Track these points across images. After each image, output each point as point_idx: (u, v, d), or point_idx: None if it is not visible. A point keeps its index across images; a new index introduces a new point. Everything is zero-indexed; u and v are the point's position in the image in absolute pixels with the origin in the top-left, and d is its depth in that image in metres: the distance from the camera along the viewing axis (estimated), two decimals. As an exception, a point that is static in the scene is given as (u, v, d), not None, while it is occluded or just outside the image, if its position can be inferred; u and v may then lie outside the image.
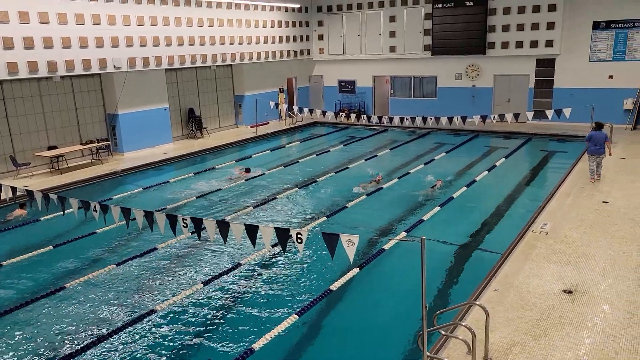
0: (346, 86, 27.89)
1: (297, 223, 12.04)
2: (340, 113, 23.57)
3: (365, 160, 18.27)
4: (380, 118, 20.33)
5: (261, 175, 16.48)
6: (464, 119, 18.25)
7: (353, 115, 22.16)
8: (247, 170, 16.62)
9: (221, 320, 7.96)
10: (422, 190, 14.05)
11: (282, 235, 6.67)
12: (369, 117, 20.96)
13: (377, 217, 12.24)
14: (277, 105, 24.46)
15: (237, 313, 8.12)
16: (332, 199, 13.90)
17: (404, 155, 19.22)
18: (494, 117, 18.31)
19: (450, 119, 18.41)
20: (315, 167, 17.71)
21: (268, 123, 25.84)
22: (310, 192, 14.78)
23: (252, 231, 7.06)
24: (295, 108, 23.64)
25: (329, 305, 8.28)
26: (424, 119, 19.25)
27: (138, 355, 7.12)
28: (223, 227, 7.29)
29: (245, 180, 15.96)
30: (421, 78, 25.68)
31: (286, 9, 25.86)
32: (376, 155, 18.99)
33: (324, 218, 12.00)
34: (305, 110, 22.60)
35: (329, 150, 20.20)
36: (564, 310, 7.34)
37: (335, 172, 16.60)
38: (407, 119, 19.60)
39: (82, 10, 17.10)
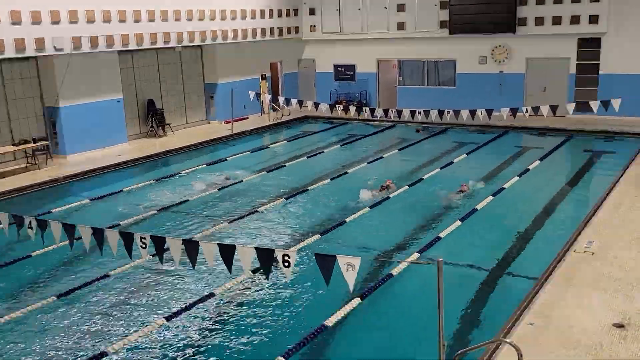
0: (344, 72, 28.11)
1: (283, 243, 12.01)
2: (337, 106, 23.45)
3: (368, 163, 18.42)
4: (386, 111, 20.38)
5: (239, 182, 16.60)
6: (489, 112, 18.30)
7: (352, 109, 21.99)
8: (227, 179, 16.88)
9: (189, 365, 7.85)
10: (446, 196, 14.32)
11: (266, 257, 6.69)
12: (372, 111, 20.99)
13: (384, 235, 12.31)
14: (258, 95, 24.46)
15: (207, 356, 8.05)
16: (327, 212, 14.01)
17: (416, 157, 19.35)
18: (527, 110, 18.35)
19: (472, 113, 18.55)
20: (306, 172, 17.74)
21: (247, 118, 25.93)
22: (300, 203, 14.85)
23: (227, 252, 7.06)
24: (281, 99, 23.51)
25: (323, 346, 8.25)
26: (440, 113, 19.36)
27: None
28: (191, 247, 7.29)
29: (219, 189, 16.01)
30: (436, 62, 25.91)
31: (269, -23, 26.07)
32: (381, 157, 19.15)
33: (317, 236, 12.07)
34: (294, 102, 22.47)
35: (322, 152, 20.35)
36: (615, 349, 7.38)
37: (331, 179, 16.69)
38: (419, 113, 19.60)
39: (15, -22, 17.08)
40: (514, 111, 18.39)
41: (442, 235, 11.94)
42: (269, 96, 25.39)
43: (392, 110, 20.48)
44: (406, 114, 19.93)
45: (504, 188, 15.00)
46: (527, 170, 16.69)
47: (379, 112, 20.84)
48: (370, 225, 13.03)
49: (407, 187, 15.49)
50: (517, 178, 15.84)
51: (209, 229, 12.94)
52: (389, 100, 27.26)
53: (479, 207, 13.65)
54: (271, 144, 22.36)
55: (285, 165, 18.47)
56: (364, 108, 21.75)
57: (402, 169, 17.74)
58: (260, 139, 23.43)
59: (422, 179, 16.29)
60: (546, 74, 23.77)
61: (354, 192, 15.11)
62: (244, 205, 14.70)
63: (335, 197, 15.08)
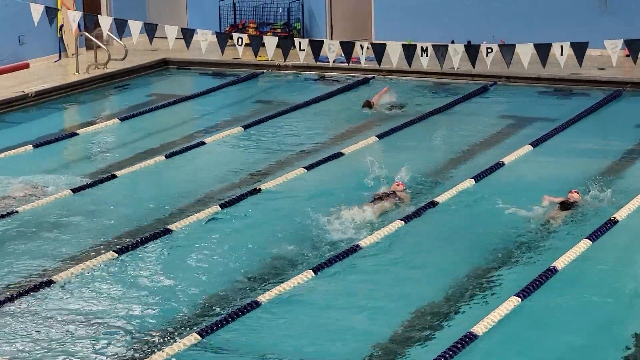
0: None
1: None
2: (237, 35, 17.23)
3: (307, 169, 12.91)
4: (348, 49, 15.27)
5: (7, 215, 11.09)
6: (580, 49, 13.91)
7: (271, 41, 15.91)
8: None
9: None
10: (530, 221, 10.53)
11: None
12: (316, 47, 15.53)
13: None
14: (50, 15, 16.76)
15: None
16: (217, 290, 8.87)
17: (414, 151, 13.90)
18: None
19: (543, 50, 13.95)
20: (165, 190, 12.54)
21: (27, 66, 19.49)
22: (145, 266, 9.78)
23: None
24: (105, 24, 16.67)
25: None
26: (470, 49, 14.64)
27: None
28: None
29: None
30: None
31: None
32: (341, 155, 13.64)
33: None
34: (135, 29, 16.21)
35: (202, 143, 14.69)
36: None
37: (222, 206, 11.45)
38: (424, 49, 14.69)
39: None
40: (636, 52, 13.91)
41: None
42: (76, 15, 17.25)
43: (362, 45, 15.33)
44: (393, 52, 14.90)
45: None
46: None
47: (331, 51, 15.35)
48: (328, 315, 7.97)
49: (399, 224, 10.46)
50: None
51: None
52: (355, 23, 19.70)
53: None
54: (82, 125, 15.90)
55: (116, 176, 12.98)
56: (296, 41, 16.13)
57: (390, 178, 11.94)
58: (59, 113, 17.03)
59: (436, 202, 11.15)
60: None
61: (277, 237, 10.24)
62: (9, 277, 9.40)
63: (236, 250, 9.98)
